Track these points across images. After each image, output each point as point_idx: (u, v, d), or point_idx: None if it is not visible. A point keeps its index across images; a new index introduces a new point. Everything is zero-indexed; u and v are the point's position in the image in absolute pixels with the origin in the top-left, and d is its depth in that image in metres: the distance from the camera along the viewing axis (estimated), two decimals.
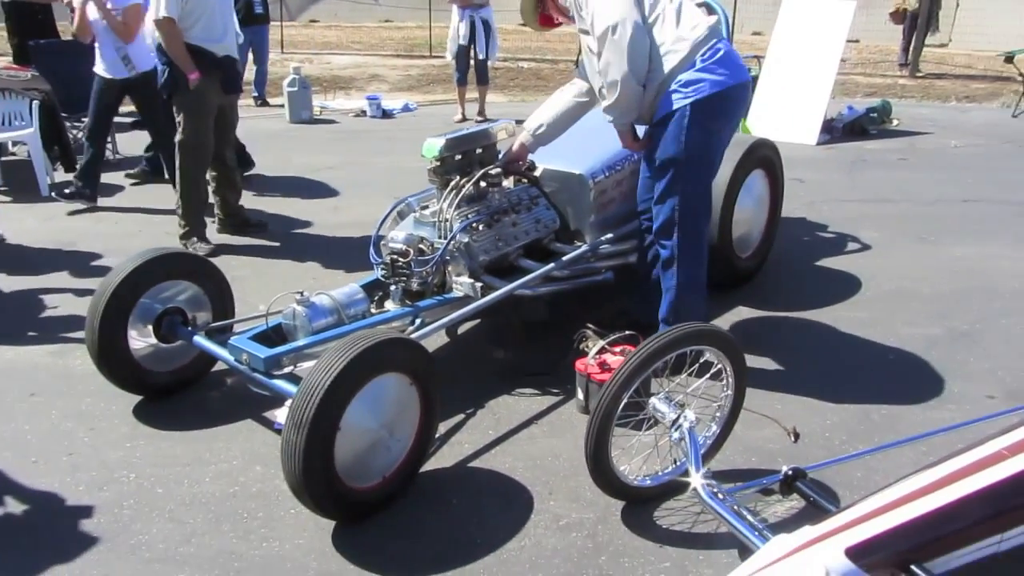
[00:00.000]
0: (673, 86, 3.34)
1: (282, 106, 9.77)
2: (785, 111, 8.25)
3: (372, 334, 2.67)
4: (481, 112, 9.62)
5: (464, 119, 9.46)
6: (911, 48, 13.43)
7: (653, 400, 2.67)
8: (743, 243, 4.59)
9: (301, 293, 3.23)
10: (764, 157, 4.57)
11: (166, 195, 6.13)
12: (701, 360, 2.79)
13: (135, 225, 5.87)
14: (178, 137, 5.17)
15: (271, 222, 5.81)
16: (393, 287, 3.51)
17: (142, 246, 5.16)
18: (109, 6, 5.79)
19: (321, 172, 7.37)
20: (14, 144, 7.49)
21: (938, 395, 3.58)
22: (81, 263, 5.11)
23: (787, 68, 8.61)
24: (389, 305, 3.51)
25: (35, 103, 6.64)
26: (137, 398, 3.46)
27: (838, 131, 8.70)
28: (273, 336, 3.23)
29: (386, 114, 9.99)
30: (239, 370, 3.13)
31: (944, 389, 3.62)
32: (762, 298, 4.52)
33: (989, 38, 15.46)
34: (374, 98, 10.12)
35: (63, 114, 6.94)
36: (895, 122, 9.15)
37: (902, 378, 3.72)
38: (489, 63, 9.59)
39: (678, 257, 3.54)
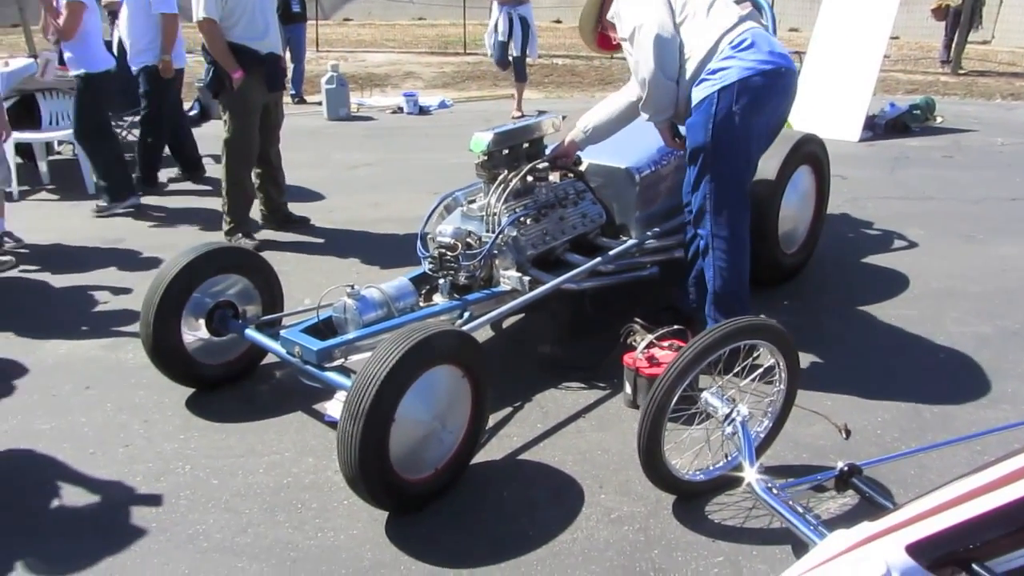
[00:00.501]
0: (703, 75, 3.36)
1: (319, 103, 9.85)
2: (827, 108, 8.15)
3: (426, 326, 2.69)
4: (519, 108, 9.62)
5: (521, 113, 9.43)
6: (953, 45, 13.21)
7: (705, 394, 2.66)
8: (789, 239, 4.56)
9: (352, 287, 3.26)
10: (810, 153, 4.53)
11: (209, 191, 6.21)
12: (755, 355, 2.78)
13: (179, 221, 5.95)
14: (224, 135, 5.23)
15: (312, 218, 5.86)
16: (441, 281, 3.53)
17: (187, 242, 5.26)
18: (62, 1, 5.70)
19: (360, 168, 7.43)
20: (60, 143, 7.63)
21: (990, 394, 3.52)
22: (128, 259, 5.20)
23: (829, 64, 8.52)
24: (437, 298, 3.53)
25: None
26: (189, 391, 3.51)
27: (880, 128, 8.59)
28: (323, 329, 3.26)
29: (423, 111, 10.03)
30: (291, 363, 3.16)
31: (996, 388, 3.57)
32: (808, 294, 4.48)
33: None
34: (411, 95, 10.17)
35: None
36: (938, 119, 9.01)
37: (953, 376, 3.67)
38: (528, 60, 9.58)
39: (713, 245, 3.51)
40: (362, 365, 2.55)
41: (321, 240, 5.56)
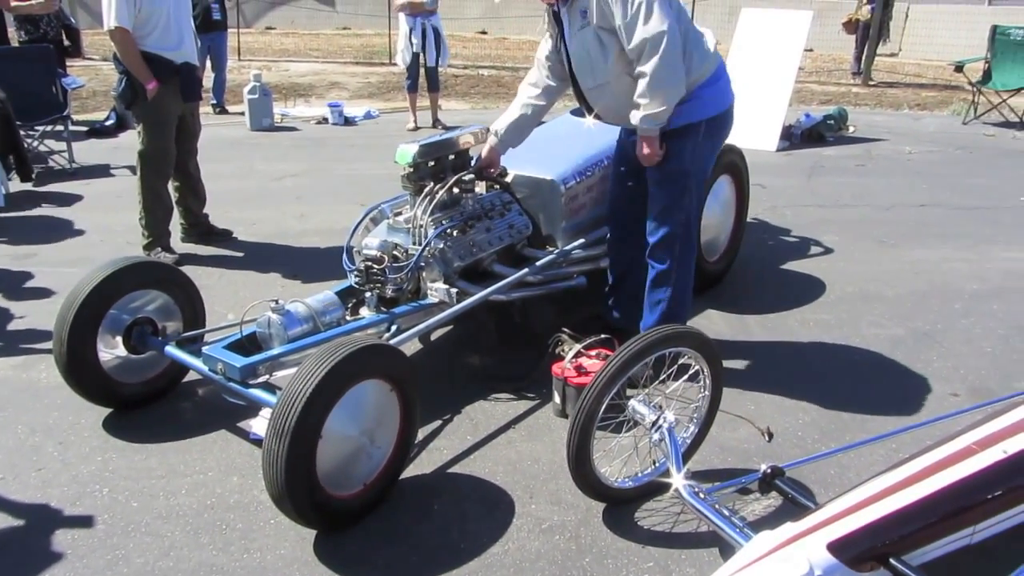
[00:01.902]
0: (689, 100, 3.34)
1: (242, 114, 9.66)
2: (745, 118, 8.32)
3: (352, 340, 2.66)
4: (435, 119, 9.60)
5: (417, 127, 9.43)
6: (863, 57, 13.72)
7: (632, 402, 2.70)
8: (711, 247, 4.66)
9: (276, 301, 3.20)
10: (731, 163, 4.65)
11: (127, 204, 6.02)
12: (679, 362, 2.83)
13: (96, 235, 5.76)
14: (139, 147, 5.09)
15: (236, 230, 5.74)
16: (368, 294, 3.49)
17: (103, 256, 5.09)
18: None
19: (284, 180, 7.31)
20: None
21: (904, 394, 3.66)
22: (40, 274, 5.00)
23: (746, 77, 8.73)
24: (364, 312, 3.49)
25: None
26: (106, 411, 3.40)
27: (796, 138, 8.86)
28: (247, 345, 3.19)
29: (348, 121, 9.92)
30: (214, 380, 3.08)
31: (910, 388, 3.71)
32: (730, 301, 4.59)
33: (937, 48, 15.88)
34: (336, 105, 10.06)
35: (17, 122, 6.79)
36: (851, 129, 9.34)
37: (869, 378, 3.80)
38: (440, 69, 9.58)
39: (677, 271, 3.55)
40: (287, 381, 2.51)
41: (243, 253, 5.45)
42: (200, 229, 5.62)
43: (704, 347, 2.80)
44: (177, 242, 5.42)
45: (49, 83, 7.73)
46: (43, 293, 4.69)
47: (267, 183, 7.19)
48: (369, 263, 3.50)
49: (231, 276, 5.00)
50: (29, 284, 4.83)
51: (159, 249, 5.18)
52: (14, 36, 8.74)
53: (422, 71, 9.36)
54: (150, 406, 3.45)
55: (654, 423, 2.64)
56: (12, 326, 4.28)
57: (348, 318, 3.42)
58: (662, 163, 3.42)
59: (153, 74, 4.91)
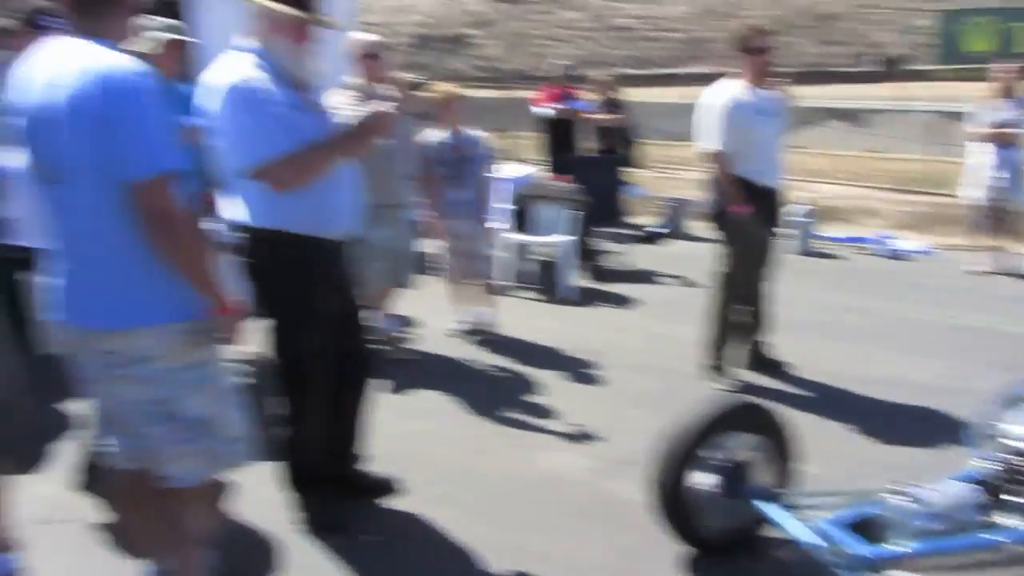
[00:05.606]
0: None
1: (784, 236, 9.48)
2: None
3: None
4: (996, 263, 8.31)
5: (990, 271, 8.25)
6: None
7: None
8: None
9: (909, 486, 2.75)
10: None
11: (676, 314, 6.03)
12: None
13: (649, 343, 5.90)
14: (723, 269, 5.13)
15: (786, 361, 5.41)
16: (1006, 496, 2.87)
17: (659, 365, 5.27)
18: None
19: (835, 311, 6.83)
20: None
21: None
22: (604, 377, 5.22)
23: None
24: (997, 518, 2.87)
25: (576, 213, 7.12)
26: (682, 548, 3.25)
27: None
28: (860, 525, 2.79)
29: (896, 255, 9.10)
30: (825, 561, 2.71)
31: None
32: None
33: None
34: (885, 236, 9.39)
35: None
36: None
37: None
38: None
39: None
40: None
41: (800, 391, 5.08)
42: (753, 356, 5.44)
43: None
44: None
45: (615, 190, 8.40)
46: (603, 401, 4.86)
47: (816, 313, 6.76)
48: (1016, 458, 2.88)
49: (793, 417, 4.64)
50: (590, 386, 5.06)
51: (718, 373, 5.09)
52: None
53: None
54: (727, 555, 3.22)
55: None
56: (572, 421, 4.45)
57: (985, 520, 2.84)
58: None
59: (744, 199, 4.91)
